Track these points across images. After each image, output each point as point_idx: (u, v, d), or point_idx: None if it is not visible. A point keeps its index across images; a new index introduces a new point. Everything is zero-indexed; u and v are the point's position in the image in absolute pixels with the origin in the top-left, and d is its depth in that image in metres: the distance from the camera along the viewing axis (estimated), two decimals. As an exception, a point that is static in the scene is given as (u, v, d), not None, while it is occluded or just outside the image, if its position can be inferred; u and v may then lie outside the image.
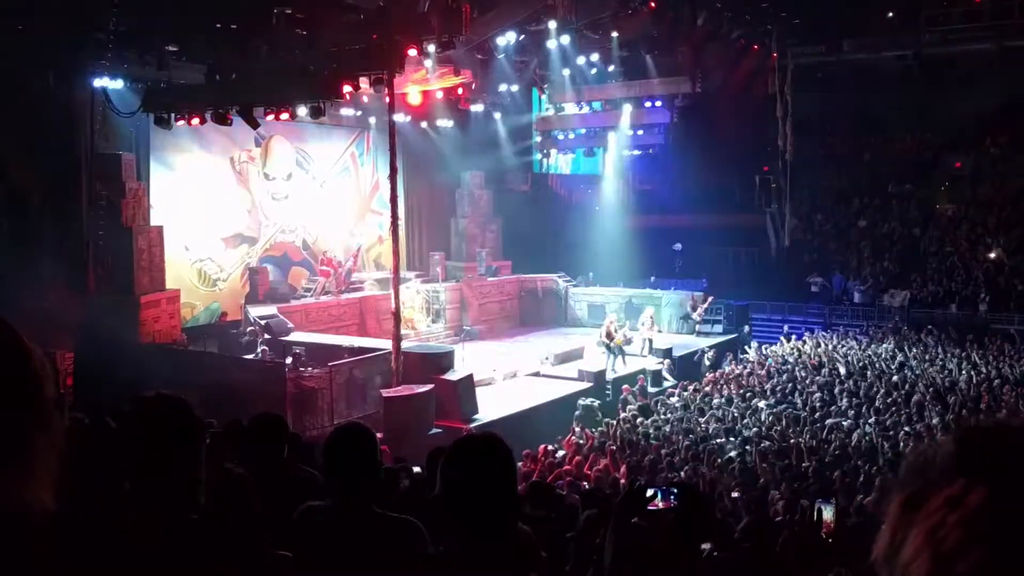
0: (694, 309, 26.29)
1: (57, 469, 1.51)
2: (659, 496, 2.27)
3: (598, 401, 18.20)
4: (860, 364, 20.21)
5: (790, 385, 18.39)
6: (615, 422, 15.80)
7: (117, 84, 19.70)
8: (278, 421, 4.32)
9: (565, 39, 23.44)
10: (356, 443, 3.13)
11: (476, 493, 2.35)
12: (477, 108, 27.34)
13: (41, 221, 18.71)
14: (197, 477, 2.42)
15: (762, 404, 16.81)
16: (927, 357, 21.05)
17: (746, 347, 24.63)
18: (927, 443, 0.91)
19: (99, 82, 19.39)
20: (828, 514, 9.42)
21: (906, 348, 22.22)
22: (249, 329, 20.74)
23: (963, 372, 19.01)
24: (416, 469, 8.01)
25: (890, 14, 31.69)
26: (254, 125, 20.66)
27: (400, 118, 22.80)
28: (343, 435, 3.17)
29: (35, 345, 1.49)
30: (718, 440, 14.08)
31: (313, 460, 4.99)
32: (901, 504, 0.85)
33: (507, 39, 22.41)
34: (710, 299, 26.41)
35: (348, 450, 3.12)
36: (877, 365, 20.12)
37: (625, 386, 19.09)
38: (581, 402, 17.94)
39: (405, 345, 18.17)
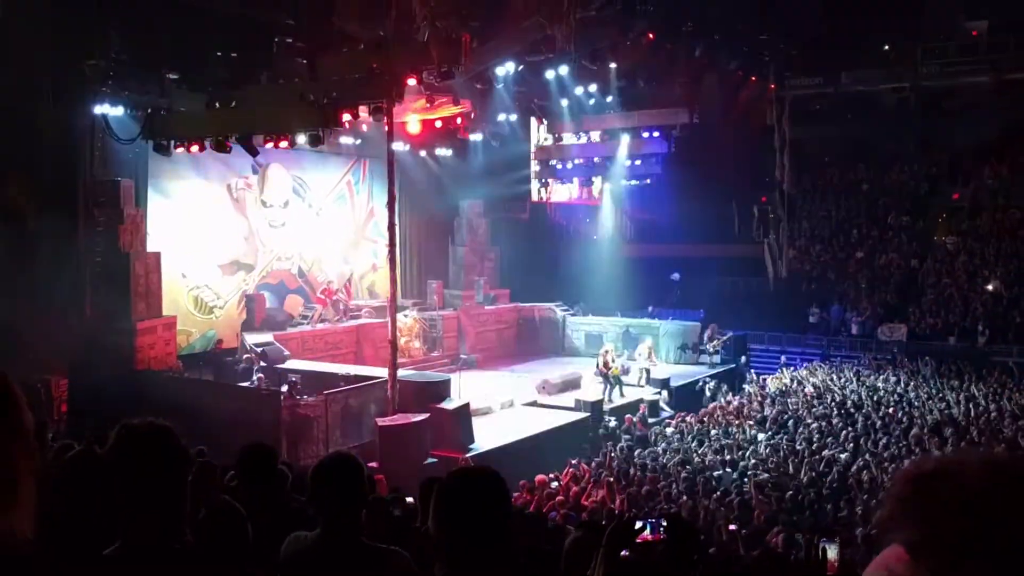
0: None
1: (36, 495, 1.49)
2: (648, 528, 2.25)
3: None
4: (858, 396, 20.13)
5: (787, 416, 18.31)
6: (612, 453, 15.73)
7: (117, 111, 19.73)
8: (268, 452, 4.27)
9: (564, 69, 23.55)
10: (342, 473, 3.09)
11: (470, 527, 2.31)
12: (476, 137, 27.49)
13: (38, 246, 18.68)
14: (182, 506, 2.38)
15: (760, 436, 16.73)
16: (925, 389, 20.96)
17: (744, 377, 24.58)
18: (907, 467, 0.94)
19: (99, 108, 19.43)
20: (832, 553, 9.32)
21: (904, 380, 22.14)
22: (245, 356, 20.68)
23: (961, 405, 18.93)
24: (410, 499, 7.93)
25: (887, 47, 31.98)
26: (254, 153, 20.73)
27: (399, 146, 22.88)
28: (329, 465, 3.13)
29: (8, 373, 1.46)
30: (715, 472, 14.01)
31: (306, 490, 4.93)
32: None
33: (506, 69, 22.50)
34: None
35: (334, 480, 3.08)
36: (875, 397, 20.04)
37: (628, 416, 19.03)
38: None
39: (401, 373, 18.10)
